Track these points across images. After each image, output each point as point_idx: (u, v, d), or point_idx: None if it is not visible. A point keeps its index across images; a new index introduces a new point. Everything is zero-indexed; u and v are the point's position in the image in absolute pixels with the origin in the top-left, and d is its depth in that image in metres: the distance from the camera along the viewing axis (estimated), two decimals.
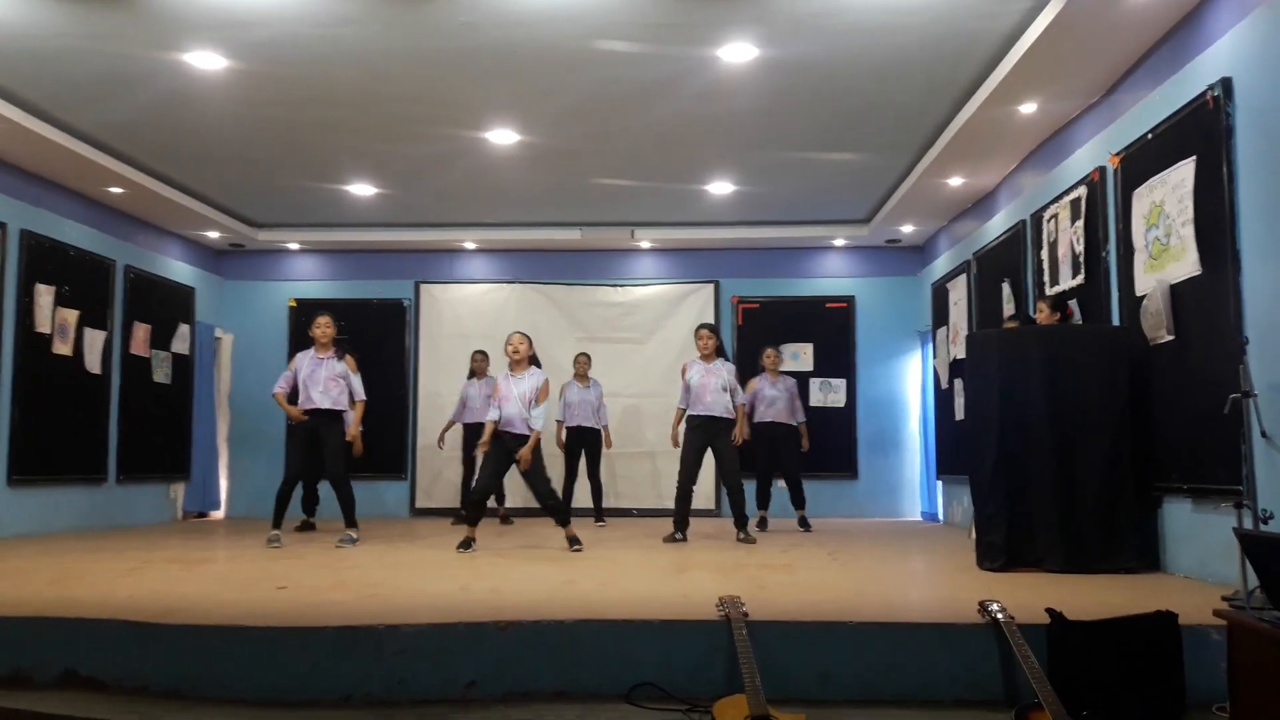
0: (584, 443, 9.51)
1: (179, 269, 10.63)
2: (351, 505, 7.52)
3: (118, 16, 5.80)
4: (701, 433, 7.56)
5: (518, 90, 6.91)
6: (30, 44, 6.14)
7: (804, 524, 8.94)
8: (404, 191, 9.43)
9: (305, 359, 7.47)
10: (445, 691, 3.58)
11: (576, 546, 6.89)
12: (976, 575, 5.30)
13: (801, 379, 10.82)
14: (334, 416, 7.42)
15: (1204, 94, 5.13)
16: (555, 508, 7.09)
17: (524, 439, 6.94)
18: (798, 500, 9.01)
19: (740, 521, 7.58)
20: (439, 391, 11.05)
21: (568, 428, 9.48)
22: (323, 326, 7.47)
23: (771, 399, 8.91)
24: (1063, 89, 6.44)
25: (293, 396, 7.47)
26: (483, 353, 9.83)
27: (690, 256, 11.23)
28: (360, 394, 7.58)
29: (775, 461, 8.91)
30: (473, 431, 9.51)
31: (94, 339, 9.13)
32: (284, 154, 8.30)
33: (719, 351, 7.76)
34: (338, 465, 7.41)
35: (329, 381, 7.37)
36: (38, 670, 3.76)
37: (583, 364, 9.69)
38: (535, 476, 6.96)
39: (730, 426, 7.59)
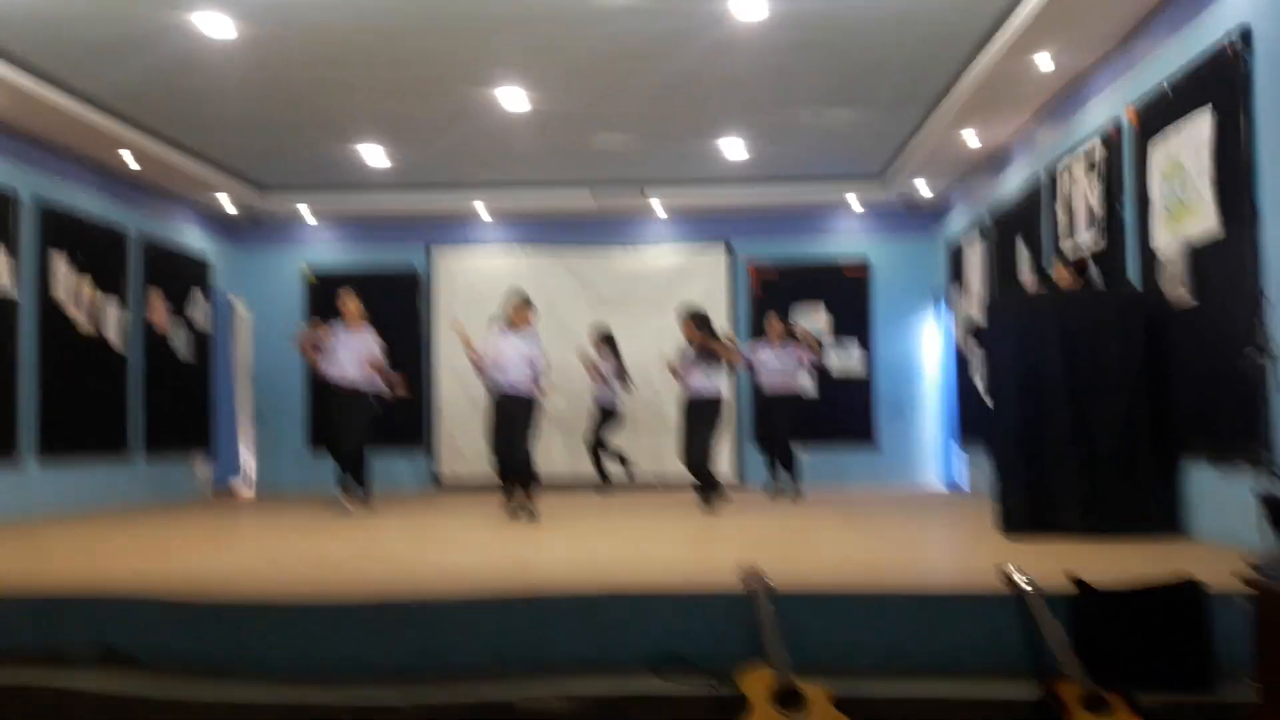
0: (601, 409, 9.91)
1: (195, 239, 10.61)
2: (360, 479, 7.89)
3: None
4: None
5: (526, 47, 6.82)
6: (35, 7, 6.05)
7: (793, 493, 8.90)
8: (414, 153, 9.35)
9: (339, 328, 7.82)
10: (473, 665, 3.61)
11: (528, 516, 6.96)
12: (998, 543, 5.29)
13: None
14: (355, 389, 7.74)
15: (1223, 43, 5.03)
16: (523, 473, 7.10)
17: (527, 401, 6.99)
18: (787, 466, 8.97)
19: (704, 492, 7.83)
20: (454, 361, 11.01)
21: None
22: (343, 301, 7.84)
23: (773, 369, 8.91)
24: (1077, 39, 6.31)
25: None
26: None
27: (703, 219, 11.14)
28: (381, 359, 7.90)
29: (770, 430, 8.87)
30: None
31: (112, 312, 9.15)
32: (293, 116, 8.22)
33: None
34: (353, 438, 7.73)
35: (356, 354, 7.72)
36: (73, 648, 3.81)
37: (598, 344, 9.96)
38: (517, 430, 6.99)
39: (709, 404, 7.86)
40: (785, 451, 8.95)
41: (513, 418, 7.01)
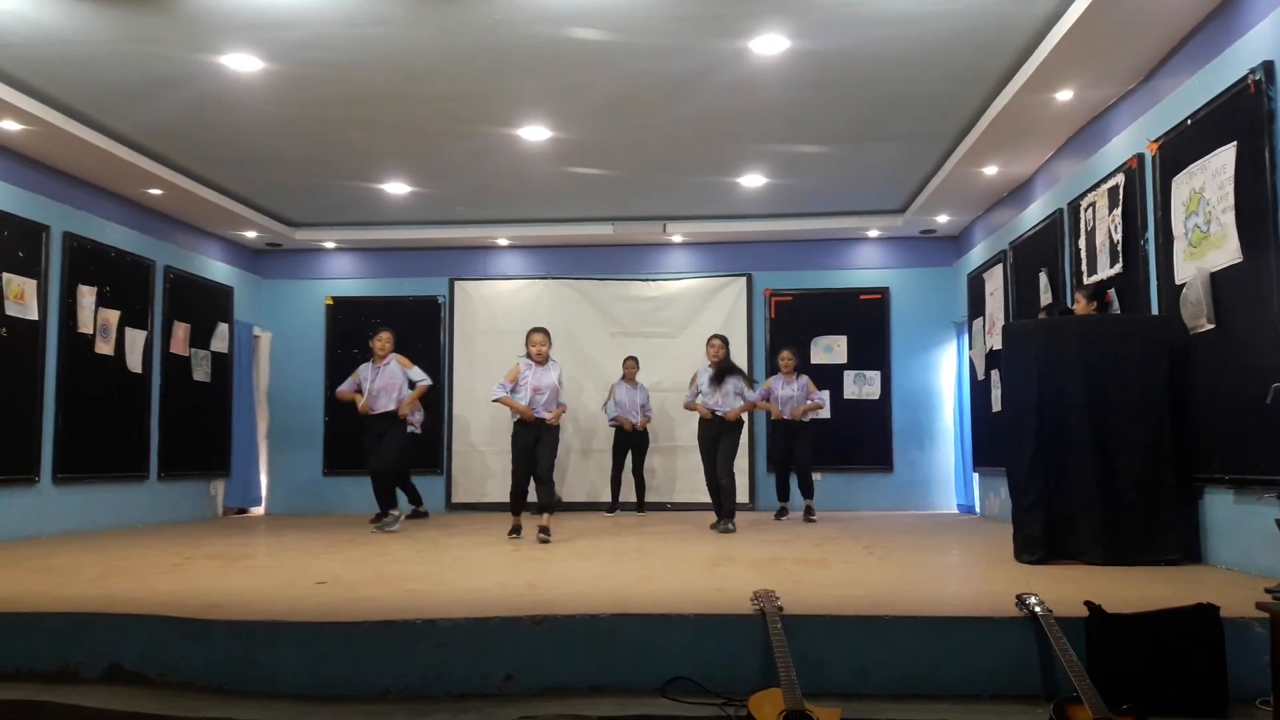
0: (630, 440, 10.09)
1: (217, 268, 10.76)
2: (392, 496, 8.27)
3: (154, 20, 5.88)
4: (711, 429, 8.13)
5: (549, 86, 6.93)
6: (69, 49, 6.24)
7: (809, 513, 9.16)
8: (438, 189, 9.49)
9: (367, 370, 8.37)
10: (482, 685, 3.60)
11: (544, 537, 7.01)
12: (1014, 568, 5.26)
13: (835, 372, 10.82)
14: (393, 417, 8.25)
15: (1245, 78, 5.03)
16: (548, 491, 7.26)
17: (553, 429, 7.30)
18: (806, 490, 9.27)
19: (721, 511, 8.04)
20: (474, 387, 11.12)
21: (617, 426, 10.14)
22: (382, 341, 8.36)
23: (785, 399, 9.23)
24: (1099, 75, 6.34)
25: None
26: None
27: (722, 250, 11.22)
28: (423, 380, 8.34)
29: (790, 456, 9.16)
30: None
31: (135, 339, 9.27)
32: (320, 153, 8.37)
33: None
34: (386, 460, 8.12)
35: (388, 386, 8.25)
36: (84, 665, 3.83)
37: (631, 367, 10.29)
38: (545, 453, 7.20)
39: (733, 425, 8.11)
40: (804, 475, 9.18)
41: (536, 443, 7.24)
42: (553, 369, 7.33)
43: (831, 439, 10.64)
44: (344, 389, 8.49)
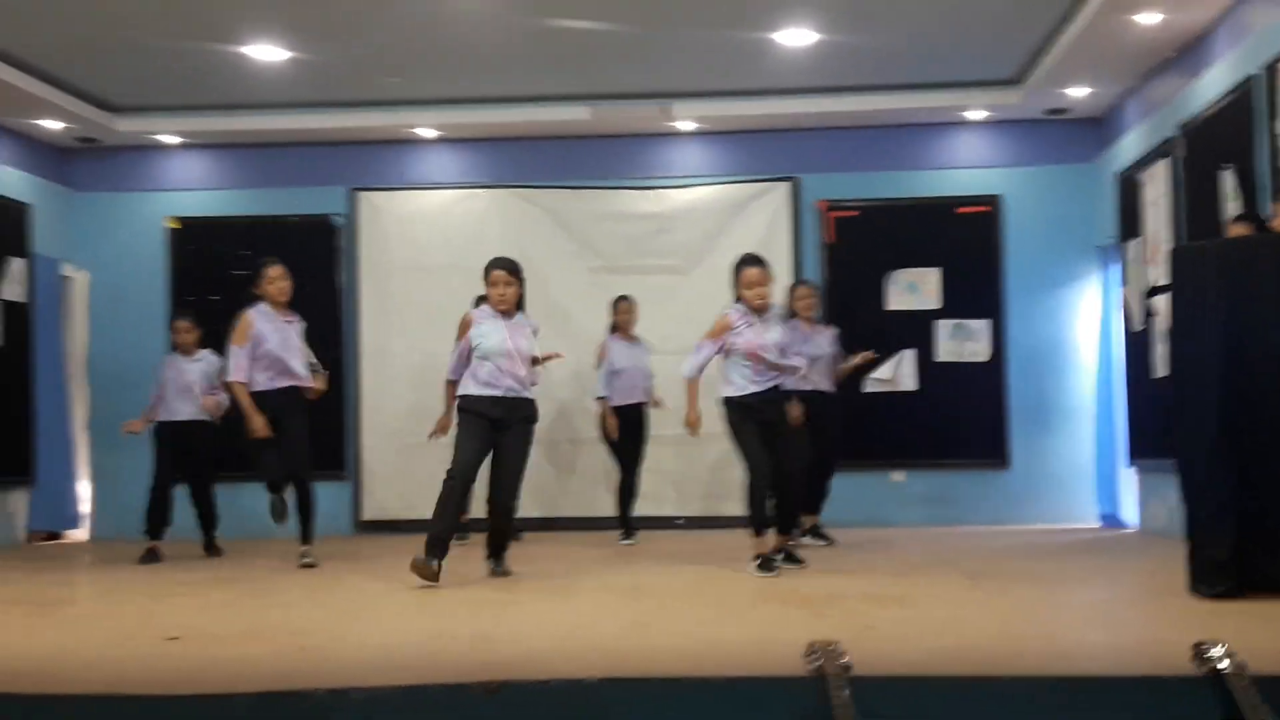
0: (632, 427, 9.82)
1: (5, 177, 10.69)
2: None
3: None
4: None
5: None
6: None
7: (815, 534, 9.08)
8: (331, 55, 9.44)
9: (265, 319, 8.09)
10: None
11: (499, 568, 7.12)
12: (1189, 605, 5.29)
13: (923, 321, 10.82)
14: (301, 394, 8.17)
15: None
16: (506, 514, 7.20)
17: (523, 402, 7.12)
18: (813, 499, 9.08)
19: (785, 525, 7.76)
20: (389, 348, 11.10)
21: (615, 407, 9.72)
22: (278, 280, 8.16)
23: (813, 357, 8.92)
24: None
25: None
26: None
27: (755, 142, 11.19)
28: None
29: (813, 443, 8.88)
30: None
31: None
32: (155, 5, 8.30)
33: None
34: (305, 458, 8.06)
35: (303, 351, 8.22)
36: None
37: (625, 312, 9.95)
38: (517, 454, 7.12)
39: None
40: (822, 475, 9.03)
41: (503, 434, 7.10)
42: (525, 325, 7.27)
43: (918, 421, 10.65)
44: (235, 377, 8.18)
